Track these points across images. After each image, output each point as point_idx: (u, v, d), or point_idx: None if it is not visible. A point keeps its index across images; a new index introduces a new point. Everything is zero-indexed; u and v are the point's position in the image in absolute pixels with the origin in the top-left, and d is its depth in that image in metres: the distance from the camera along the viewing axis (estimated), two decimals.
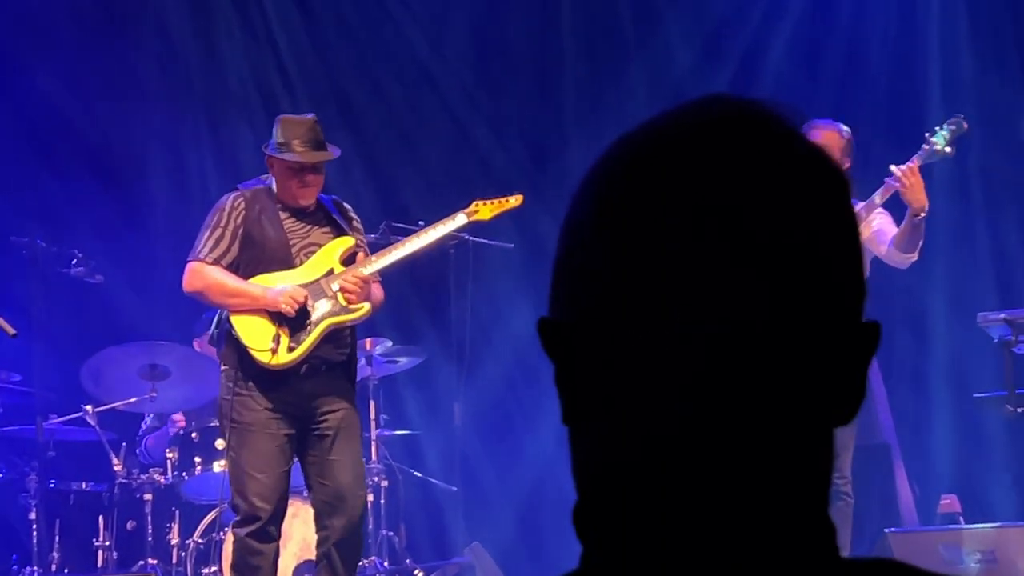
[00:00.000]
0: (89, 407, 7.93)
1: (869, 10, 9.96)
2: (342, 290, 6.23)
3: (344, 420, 6.24)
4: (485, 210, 6.66)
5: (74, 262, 7.81)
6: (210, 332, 6.44)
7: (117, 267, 8.47)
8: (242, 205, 6.27)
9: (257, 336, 6.14)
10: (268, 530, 6.11)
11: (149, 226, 9.34)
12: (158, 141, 9.72)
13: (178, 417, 8.42)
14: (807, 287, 1.02)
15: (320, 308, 6.22)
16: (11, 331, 6.43)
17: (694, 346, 1.01)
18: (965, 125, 6.85)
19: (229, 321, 6.19)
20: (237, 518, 6.19)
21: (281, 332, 6.15)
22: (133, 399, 8.05)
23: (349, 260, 6.36)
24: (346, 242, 6.40)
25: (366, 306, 6.29)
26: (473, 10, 10.53)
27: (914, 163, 6.68)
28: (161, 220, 9.36)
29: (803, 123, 1.10)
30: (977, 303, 8.30)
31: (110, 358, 8.03)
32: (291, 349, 6.14)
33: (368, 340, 8.22)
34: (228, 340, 6.22)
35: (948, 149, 6.82)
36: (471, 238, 7.84)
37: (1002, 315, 6.88)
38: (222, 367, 6.28)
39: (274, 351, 6.12)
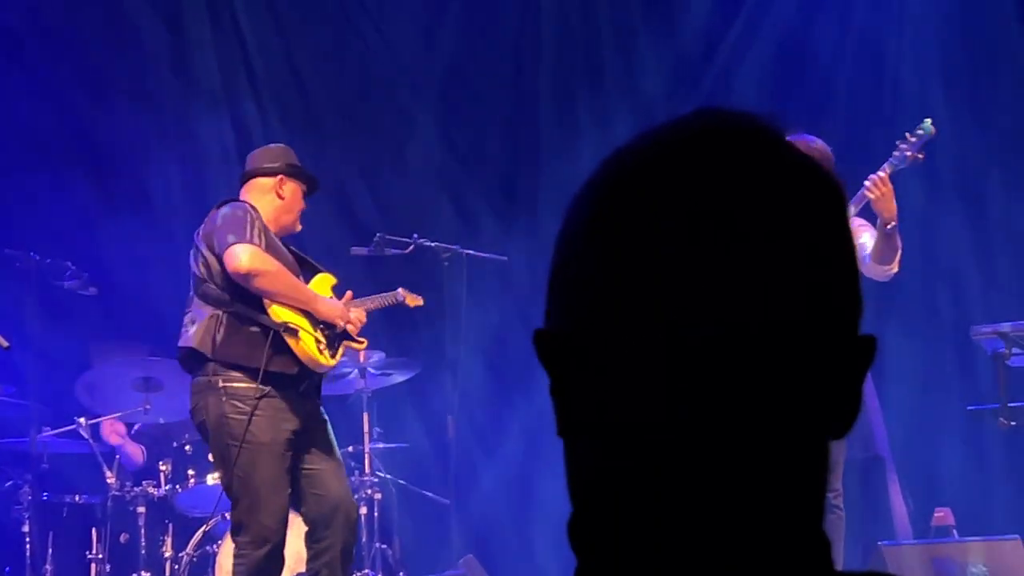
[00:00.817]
0: (82, 419, 7.94)
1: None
2: (351, 323, 6.43)
3: (326, 433, 6.33)
4: (409, 299, 7.42)
5: (67, 274, 7.80)
6: (198, 332, 6.08)
7: (111, 279, 8.45)
8: (258, 216, 6.21)
9: (309, 332, 6.21)
10: (279, 551, 6.10)
11: (143, 238, 9.33)
12: (148, 154, 9.71)
13: (108, 424, 8.42)
14: (802, 292, 1.02)
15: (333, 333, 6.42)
16: (4, 344, 6.43)
17: (688, 351, 1.01)
18: (933, 129, 6.81)
19: (267, 314, 6.07)
20: (246, 539, 6.04)
21: (319, 337, 6.26)
22: (126, 411, 8.06)
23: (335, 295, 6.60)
24: (332, 279, 6.63)
25: (366, 342, 6.65)
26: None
27: (885, 172, 6.63)
28: (156, 232, 9.35)
29: (788, 134, 1.10)
30: (965, 315, 8.33)
31: (105, 371, 8.04)
32: (332, 356, 6.33)
33: (361, 353, 8.22)
34: (251, 342, 6.05)
35: (919, 155, 6.78)
36: (464, 251, 7.85)
37: (994, 328, 6.88)
38: (222, 384, 6.03)
39: (321, 351, 6.23)
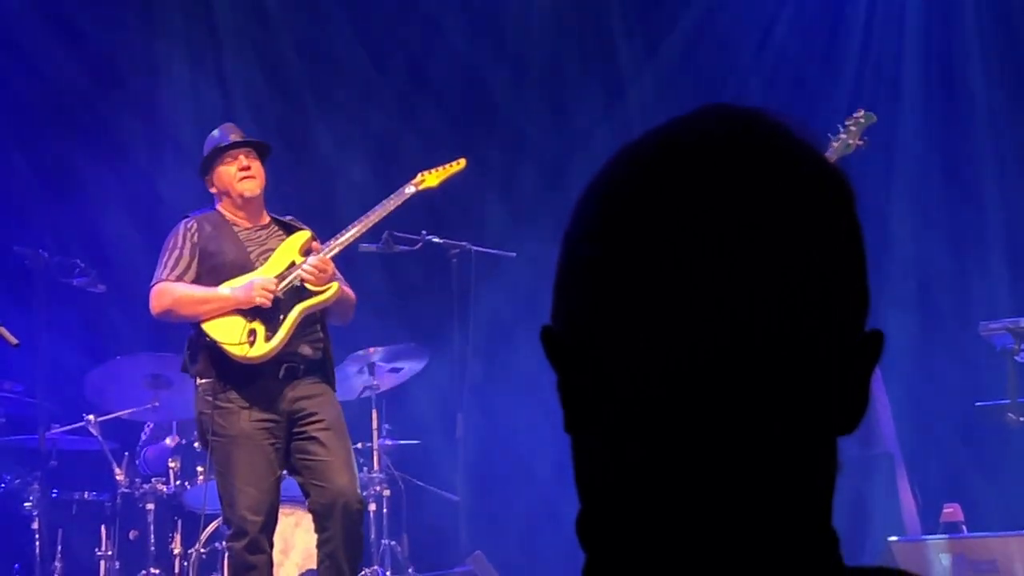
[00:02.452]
0: (91, 416, 7.94)
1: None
2: (304, 275, 6.30)
3: (332, 420, 6.27)
4: (431, 178, 6.76)
5: (77, 272, 7.80)
6: (184, 359, 6.43)
7: (120, 277, 8.46)
8: (195, 226, 6.42)
9: (231, 333, 6.20)
10: (259, 542, 6.11)
11: (154, 233, 9.33)
12: (162, 158, 9.73)
13: (173, 437, 8.42)
14: (811, 298, 1.02)
15: (289, 297, 6.28)
16: (13, 341, 6.43)
17: (697, 350, 1.01)
18: (874, 116, 6.88)
19: (201, 333, 6.23)
20: (229, 532, 6.18)
21: (255, 327, 6.21)
22: (135, 408, 8.06)
23: (308, 253, 6.44)
24: (303, 235, 6.50)
25: (335, 285, 6.36)
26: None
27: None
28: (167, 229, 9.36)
29: (808, 132, 1.09)
30: (980, 311, 8.31)
31: (114, 368, 8.05)
32: (268, 339, 6.20)
33: (371, 349, 8.22)
34: (202, 354, 6.26)
35: (860, 141, 6.84)
36: (473, 247, 7.84)
37: (1004, 324, 6.88)
38: (198, 382, 6.30)
39: (251, 344, 6.17)
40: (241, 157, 6.46)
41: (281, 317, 6.23)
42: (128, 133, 9.69)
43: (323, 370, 6.39)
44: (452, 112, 10.54)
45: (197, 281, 6.28)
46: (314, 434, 6.21)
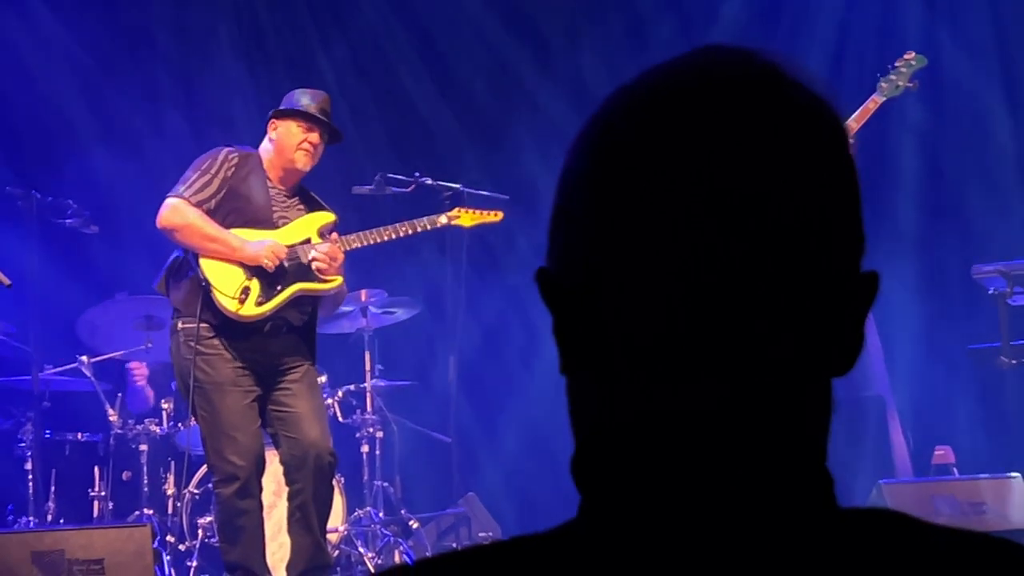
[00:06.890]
0: (84, 357, 7.94)
1: None
2: (316, 260, 6.31)
3: (306, 376, 6.32)
4: (466, 218, 7.03)
5: (69, 212, 7.78)
6: (162, 276, 6.34)
7: (113, 217, 8.44)
8: (236, 160, 6.34)
9: (227, 282, 6.17)
10: (249, 487, 6.13)
11: (145, 175, 9.32)
12: (154, 100, 9.71)
13: (135, 365, 8.46)
14: (806, 239, 1.02)
15: (293, 272, 6.30)
16: (6, 281, 6.43)
17: (693, 297, 1.01)
18: (924, 59, 6.90)
19: (198, 265, 6.18)
20: (216, 478, 6.20)
21: (251, 285, 6.21)
22: (129, 349, 8.07)
23: (325, 235, 6.46)
24: (328, 217, 6.53)
25: (339, 279, 6.41)
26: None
27: (875, 101, 6.74)
28: (157, 170, 9.34)
29: (803, 72, 1.09)
30: (974, 254, 8.32)
31: (107, 309, 8.05)
32: (259, 303, 6.21)
33: (363, 292, 8.21)
34: (188, 284, 6.22)
35: (910, 83, 6.86)
36: (466, 189, 7.82)
37: (996, 267, 6.88)
38: (180, 324, 6.24)
39: (242, 301, 6.16)
40: (316, 134, 6.39)
41: (278, 287, 6.25)
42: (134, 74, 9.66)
43: (306, 331, 6.41)
44: (444, 57, 10.51)
45: (214, 215, 6.22)
46: (287, 387, 6.26)
